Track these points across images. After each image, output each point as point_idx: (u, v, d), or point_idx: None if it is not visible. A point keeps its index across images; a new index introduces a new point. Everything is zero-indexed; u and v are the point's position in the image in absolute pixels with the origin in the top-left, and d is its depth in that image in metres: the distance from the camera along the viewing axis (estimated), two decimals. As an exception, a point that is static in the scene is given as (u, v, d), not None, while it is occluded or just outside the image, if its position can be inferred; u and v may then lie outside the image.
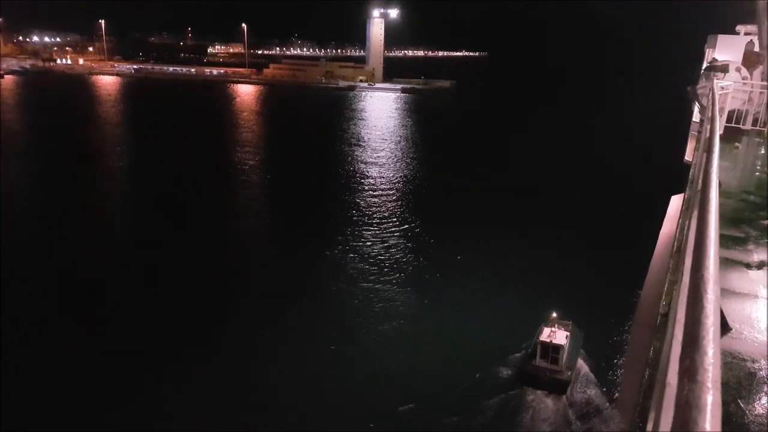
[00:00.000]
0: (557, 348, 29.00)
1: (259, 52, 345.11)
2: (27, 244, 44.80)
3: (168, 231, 48.79)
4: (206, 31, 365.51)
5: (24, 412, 25.62)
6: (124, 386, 27.72)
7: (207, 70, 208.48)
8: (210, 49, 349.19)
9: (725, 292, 5.41)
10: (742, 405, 3.67)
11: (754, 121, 17.22)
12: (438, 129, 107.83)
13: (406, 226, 51.98)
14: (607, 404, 27.99)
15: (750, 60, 18.81)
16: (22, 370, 28.54)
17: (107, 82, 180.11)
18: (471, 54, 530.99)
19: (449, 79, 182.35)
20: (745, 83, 17.37)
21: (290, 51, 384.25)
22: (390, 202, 59.58)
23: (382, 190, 64.21)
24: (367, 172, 72.37)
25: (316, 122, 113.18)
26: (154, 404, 26.60)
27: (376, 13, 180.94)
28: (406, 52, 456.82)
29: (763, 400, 3.78)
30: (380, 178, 69.37)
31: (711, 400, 1.21)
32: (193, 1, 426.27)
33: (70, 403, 26.37)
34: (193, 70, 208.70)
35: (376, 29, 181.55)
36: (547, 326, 30.47)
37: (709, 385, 1.25)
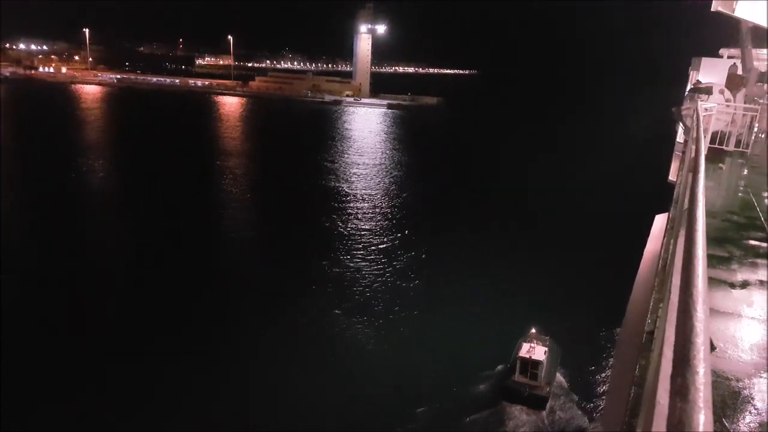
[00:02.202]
0: (536, 364, 29.16)
1: (249, 64, 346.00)
2: (23, 250, 44.40)
3: (156, 248, 48.20)
4: (199, 42, 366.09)
5: (24, 412, 25.61)
6: (123, 388, 27.90)
7: (191, 81, 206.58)
8: (200, 61, 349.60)
9: (710, 311, 5.44)
10: (726, 424, 3.68)
11: (737, 143, 17.51)
12: (423, 146, 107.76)
13: (390, 242, 51.93)
14: (586, 419, 28.10)
15: (733, 82, 19.16)
16: (21, 371, 28.54)
17: (87, 92, 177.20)
18: (461, 72, 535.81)
19: (436, 96, 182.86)
20: (728, 105, 17.67)
21: (281, 64, 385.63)
22: (371, 219, 59.40)
23: (363, 208, 63.82)
24: (349, 188, 72.01)
25: (298, 136, 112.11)
26: (151, 406, 26.68)
27: (363, 28, 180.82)
28: (397, 68, 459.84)
29: (748, 419, 3.80)
30: (362, 195, 68.94)
31: (704, 420, 1.21)
32: (188, 12, 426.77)
33: (71, 404, 26.40)
34: (177, 80, 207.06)
35: (364, 44, 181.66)
36: (526, 342, 30.61)
37: (701, 405, 1.25)
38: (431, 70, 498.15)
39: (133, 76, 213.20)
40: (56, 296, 37.12)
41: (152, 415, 26.17)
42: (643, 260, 10.86)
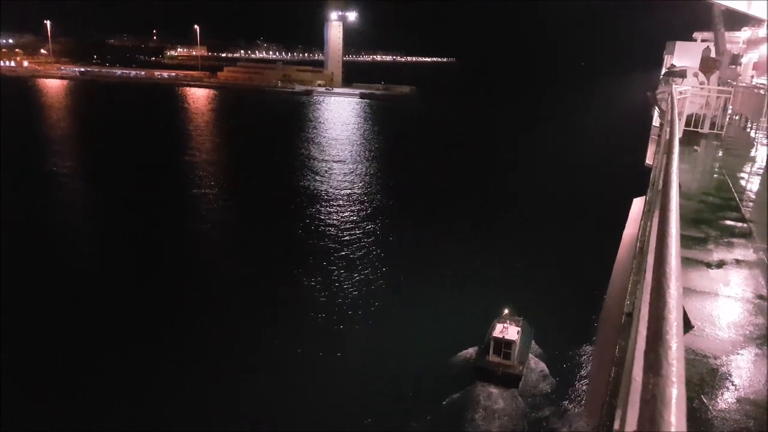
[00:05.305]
0: (509, 343, 29.57)
1: (223, 54, 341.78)
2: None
3: (126, 253, 46.48)
4: (173, 34, 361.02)
5: (24, 412, 25.38)
6: (121, 388, 27.67)
7: (157, 73, 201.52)
8: (171, 52, 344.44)
9: (687, 290, 5.54)
10: (705, 401, 3.75)
11: (712, 125, 17.77)
12: (395, 134, 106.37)
13: (362, 230, 51.19)
14: (558, 396, 28.63)
15: (707, 65, 19.42)
16: (21, 372, 28.29)
17: (48, 86, 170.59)
18: (439, 60, 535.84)
19: (410, 85, 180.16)
20: (702, 88, 17.91)
21: (256, 54, 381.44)
22: (341, 209, 58.00)
23: (334, 198, 62.36)
24: (319, 180, 70.13)
25: (265, 128, 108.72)
26: (149, 408, 26.44)
27: (334, 15, 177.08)
28: (374, 57, 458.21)
29: (725, 396, 3.87)
30: (332, 186, 67.34)
31: (676, 393, 1.22)
32: (162, 3, 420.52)
33: (72, 405, 26.18)
34: (143, 72, 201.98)
35: (335, 32, 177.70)
36: (499, 322, 31.03)
37: (674, 378, 1.26)
38: (409, 59, 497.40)
39: (97, 69, 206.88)
40: (40, 303, 36.11)
41: (147, 415, 26.01)
42: (621, 243, 11.02)
